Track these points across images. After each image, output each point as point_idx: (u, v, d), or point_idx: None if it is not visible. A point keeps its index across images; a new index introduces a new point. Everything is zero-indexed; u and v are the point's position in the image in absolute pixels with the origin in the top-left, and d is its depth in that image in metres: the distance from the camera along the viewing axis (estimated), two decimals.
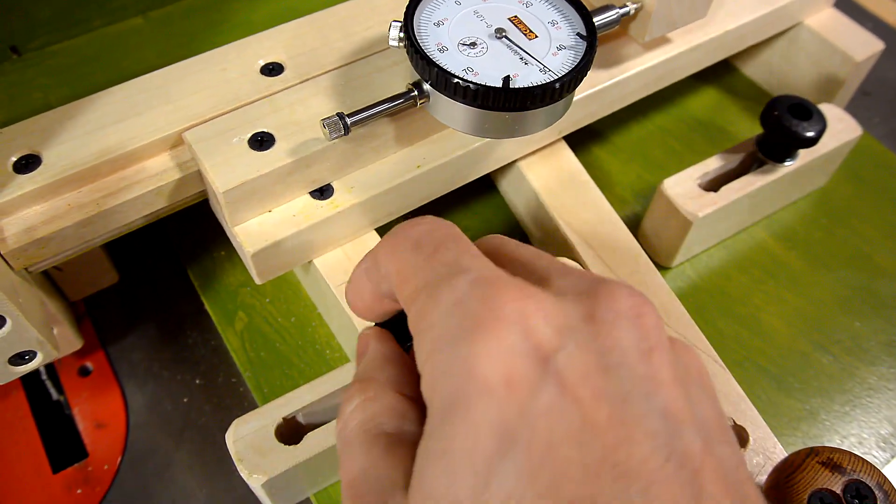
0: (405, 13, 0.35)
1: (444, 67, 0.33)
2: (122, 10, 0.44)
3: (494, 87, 0.32)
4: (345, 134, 0.33)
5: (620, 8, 0.39)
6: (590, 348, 0.18)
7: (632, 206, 0.49)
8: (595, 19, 0.37)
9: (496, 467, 0.16)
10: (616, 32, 0.42)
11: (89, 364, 0.46)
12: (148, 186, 0.35)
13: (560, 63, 0.34)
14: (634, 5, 0.40)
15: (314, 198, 0.37)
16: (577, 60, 0.34)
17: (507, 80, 0.32)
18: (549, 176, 0.43)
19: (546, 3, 0.36)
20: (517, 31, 0.35)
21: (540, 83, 0.33)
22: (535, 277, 0.20)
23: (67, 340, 0.41)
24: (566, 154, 0.44)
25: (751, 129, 0.54)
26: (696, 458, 0.17)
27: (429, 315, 0.19)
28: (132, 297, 0.47)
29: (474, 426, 0.16)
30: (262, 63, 0.38)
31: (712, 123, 0.54)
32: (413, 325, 0.19)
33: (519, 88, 0.32)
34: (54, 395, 0.45)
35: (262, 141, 0.35)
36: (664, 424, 0.17)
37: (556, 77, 0.33)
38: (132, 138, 0.35)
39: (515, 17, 0.36)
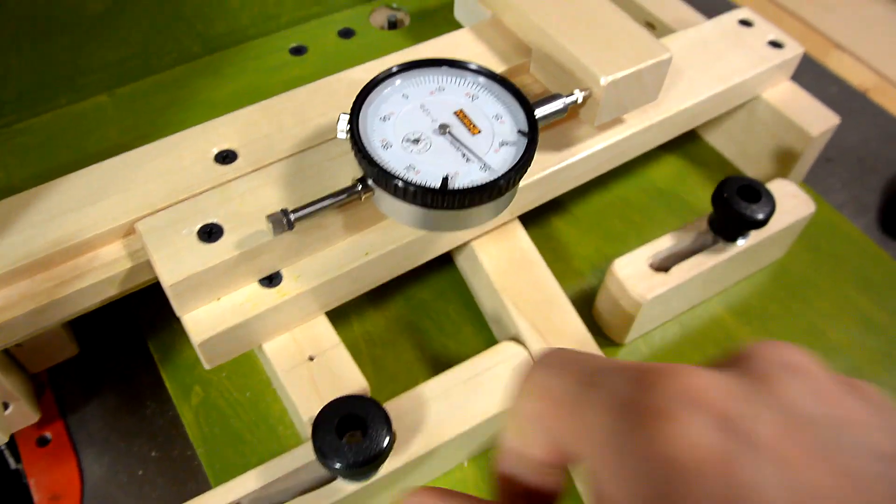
0: (353, 106, 0.36)
1: (385, 167, 0.34)
2: (89, 88, 0.45)
3: (432, 189, 0.33)
4: (289, 229, 0.34)
5: (567, 97, 0.40)
6: (772, 407, 0.17)
7: (588, 279, 0.50)
8: (540, 110, 0.39)
9: None
10: (568, 114, 0.43)
11: (48, 434, 0.46)
12: (100, 275, 0.36)
13: (501, 160, 0.35)
14: (582, 93, 0.41)
15: (262, 285, 0.37)
16: (518, 157, 0.35)
17: (445, 180, 0.33)
18: (500, 256, 0.44)
19: (491, 96, 0.37)
20: (461, 125, 0.36)
21: (479, 182, 0.34)
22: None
23: (23, 415, 0.42)
24: (519, 233, 0.45)
25: (709, 197, 0.55)
26: None
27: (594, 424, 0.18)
28: (93, 367, 0.48)
29: None
30: (215, 151, 0.39)
31: (673, 193, 0.55)
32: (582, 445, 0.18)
33: (457, 190, 0.33)
34: (12, 464, 0.46)
35: (210, 232, 0.36)
36: (883, 465, 0.16)
37: (496, 176, 0.34)
38: (86, 227, 0.36)
39: (461, 111, 0.37)
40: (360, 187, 0.35)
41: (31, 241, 0.35)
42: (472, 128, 0.36)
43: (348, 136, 0.35)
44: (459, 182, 0.34)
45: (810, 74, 0.54)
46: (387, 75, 0.37)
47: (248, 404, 0.44)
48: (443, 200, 0.33)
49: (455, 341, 0.47)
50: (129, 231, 0.37)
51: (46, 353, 0.44)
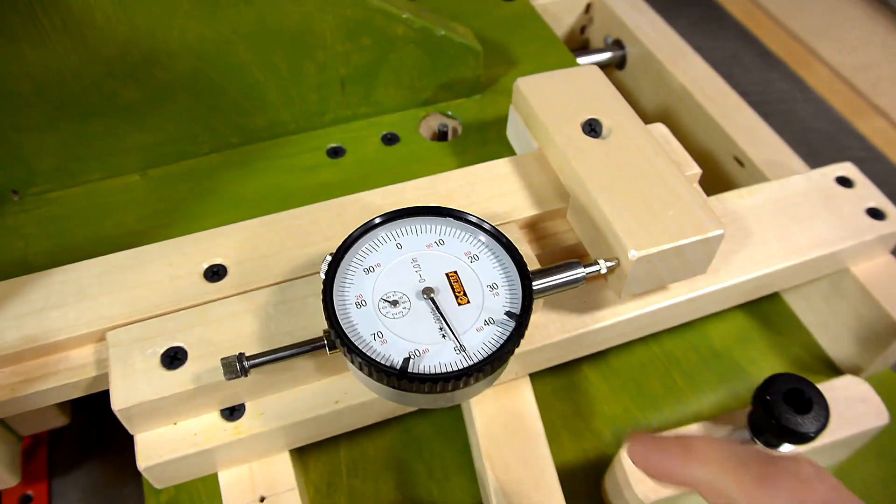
0: (336, 252, 0.33)
1: (351, 330, 0.31)
2: (122, 167, 0.45)
3: (388, 369, 0.30)
4: (242, 376, 0.32)
5: (587, 266, 0.36)
6: None
7: (606, 443, 0.45)
8: (544, 282, 0.34)
9: None
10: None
11: (31, 493, 0.47)
12: (65, 379, 0.35)
13: (480, 343, 0.31)
14: (607, 264, 0.36)
15: (223, 416, 0.35)
16: (499, 344, 0.31)
17: (407, 360, 0.30)
18: (496, 417, 0.40)
19: (493, 261, 0.34)
20: (449, 292, 0.33)
21: (447, 368, 0.30)
22: None
23: (1, 479, 0.42)
24: (524, 394, 0.40)
25: (774, 369, 0.48)
26: None
27: None
28: (89, 433, 0.48)
29: None
30: (206, 266, 0.37)
31: (729, 358, 0.49)
32: None
33: (417, 374, 0.30)
34: None
35: (174, 357, 0.34)
36: None
37: (468, 363, 0.30)
38: (61, 328, 0.35)
39: (455, 273, 0.33)
40: (326, 342, 0.32)
41: (4, 333, 0.35)
42: (460, 296, 0.32)
43: None
44: (427, 362, 0.30)
45: None
46: (383, 220, 0.34)
47: None
48: (399, 383, 0.30)
49: (441, 490, 0.43)
50: (101, 337, 0.36)
51: (35, 422, 0.44)
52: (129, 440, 0.46)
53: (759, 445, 0.39)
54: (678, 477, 0.27)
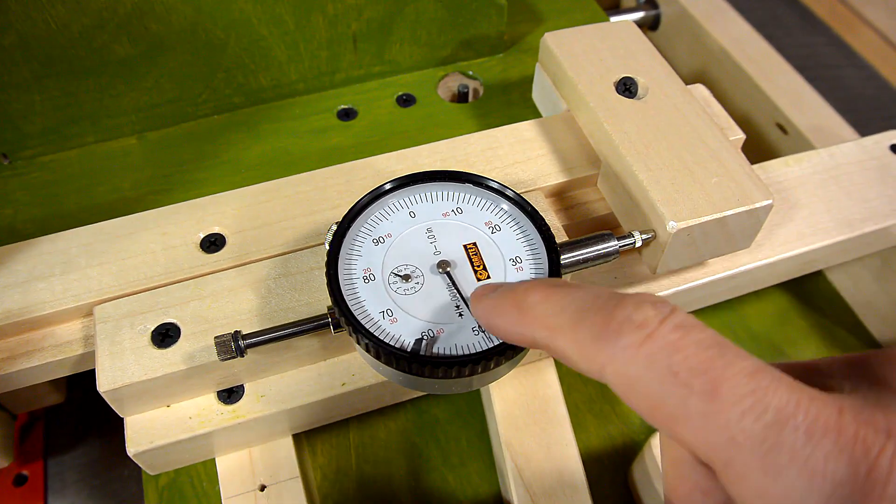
0: (342, 220, 0.30)
1: (357, 309, 0.28)
2: (117, 129, 0.42)
3: (399, 351, 0.27)
4: (238, 356, 0.29)
5: (620, 239, 0.32)
6: None
7: (634, 431, 0.42)
8: (573, 256, 0.31)
9: None
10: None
11: (26, 472, 0.44)
12: (51, 356, 0.33)
13: None
14: (642, 236, 0.33)
15: (220, 399, 0.33)
16: None
17: (419, 342, 0.27)
18: (516, 401, 0.36)
19: (517, 230, 0.30)
20: (467, 265, 0.29)
21: (464, 351, 0.27)
22: None
23: None
24: (548, 377, 0.37)
25: (816, 353, 0.45)
26: None
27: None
28: (87, 411, 0.46)
29: None
30: (202, 235, 0.34)
31: (768, 340, 0.45)
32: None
33: (430, 357, 0.26)
34: None
35: (165, 335, 0.31)
36: None
37: (488, 346, 0.27)
38: (46, 302, 0.32)
39: (473, 244, 0.30)
40: (330, 320, 0.29)
41: None
42: (479, 271, 0.29)
43: None
44: (441, 344, 0.27)
45: None
46: (395, 186, 0.31)
47: (216, 498, 0.40)
48: (410, 367, 0.27)
49: (457, 477, 0.40)
50: (89, 311, 0.33)
51: (28, 399, 0.42)
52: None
53: None
54: (517, 339, 0.24)
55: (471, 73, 0.48)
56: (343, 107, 0.45)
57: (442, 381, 0.28)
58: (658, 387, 0.19)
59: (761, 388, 0.18)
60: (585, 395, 0.42)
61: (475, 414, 0.42)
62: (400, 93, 0.46)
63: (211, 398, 0.33)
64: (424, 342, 0.27)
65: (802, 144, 0.48)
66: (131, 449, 0.31)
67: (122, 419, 0.44)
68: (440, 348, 0.27)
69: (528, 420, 0.36)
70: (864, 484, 0.17)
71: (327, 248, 0.29)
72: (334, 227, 0.30)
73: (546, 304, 0.23)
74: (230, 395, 0.33)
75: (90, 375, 0.41)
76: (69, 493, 0.43)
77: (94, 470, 0.44)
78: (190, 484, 0.40)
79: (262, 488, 0.34)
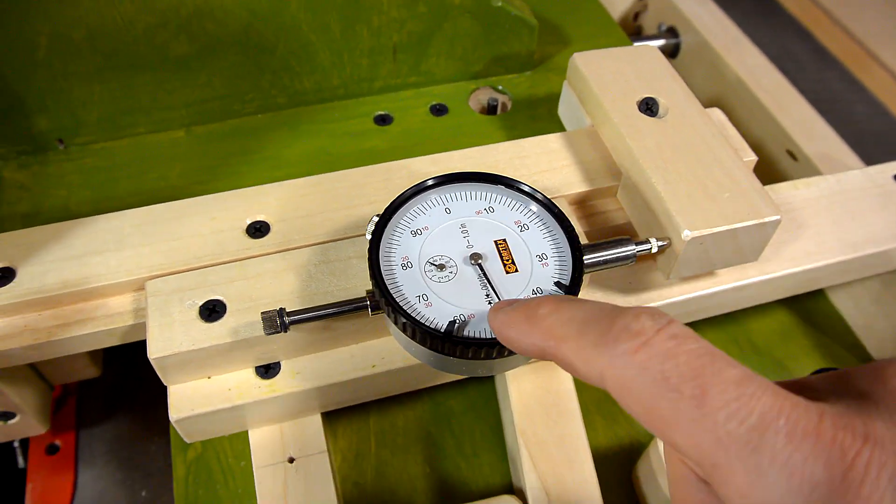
0: (384, 212, 0.32)
1: (396, 292, 0.30)
2: (167, 122, 0.45)
3: (433, 331, 0.29)
4: (282, 332, 0.31)
5: (639, 244, 0.35)
6: None
7: (640, 432, 0.44)
8: (594, 257, 0.33)
9: None
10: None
11: (58, 442, 0.47)
12: (102, 326, 0.35)
13: None
14: (658, 243, 0.35)
15: (257, 373, 0.35)
16: None
17: (452, 324, 0.29)
18: (532, 394, 0.39)
19: (544, 230, 0.33)
20: (497, 259, 0.32)
21: (489, 335, 0.29)
22: None
23: (28, 426, 0.42)
24: (560, 373, 0.40)
25: (815, 369, 0.47)
26: None
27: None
28: (118, 387, 0.48)
29: None
30: (249, 221, 0.37)
31: (770, 355, 0.47)
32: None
33: (462, 338, 0.29)
34: (21, 462, 0.47)
35: (212, 310, 0.34)
36: None
37: None
38: (100, 275, 0.35)
39: (504, 240, 0.32)
40: (369, 303, 0.32)
41: (48, 275, 0.35)
42: (508, 265, 0.32)
43: None
44: (471, 328, 0.30)
45: None
46: (435, 183, 0.34)
47: (241, 474, 0.42)
48: (443, 346, 0.29)
49: (470, 466, 0.42)
50: (140, 286, 0.35)
51: (67, 371, 0.44)
52: (157, 397, 0.46)
53: None
54: (527, 348, 0.25)
55: (500, 87, 0.51)
56: (380, 113, 0.48)
57: (469, 361, 0.30)
58: (651, 391, 0.20)
59: (747, 394, 0.19)
60: (595, 396, 0.44)
61: (488, 408, 0.44)
62: (433, 102, 0.49)
63: (249, 372, 0.35)
64: (457, 324, 0.29)
65: (811, 171, 0.51)
66: (174, 415, 0.34)
67: (152, 397, 0.47)
68: (470, 331, 0.29)
69: (542, 412, 0.38)
70: (840, 485, 0.18)
71: (369, 237, 0.32)
72: (376, 218, 0.32)
73: (554, 316, 0.24)
74: (268, 370, 0.35)
75: (124, 353, 0.44)
76: (98, 464, 0.45)
77: (122, 443, 0.46)
78: (216, 458, 0.42)
79: (291, 460, 0.36)
